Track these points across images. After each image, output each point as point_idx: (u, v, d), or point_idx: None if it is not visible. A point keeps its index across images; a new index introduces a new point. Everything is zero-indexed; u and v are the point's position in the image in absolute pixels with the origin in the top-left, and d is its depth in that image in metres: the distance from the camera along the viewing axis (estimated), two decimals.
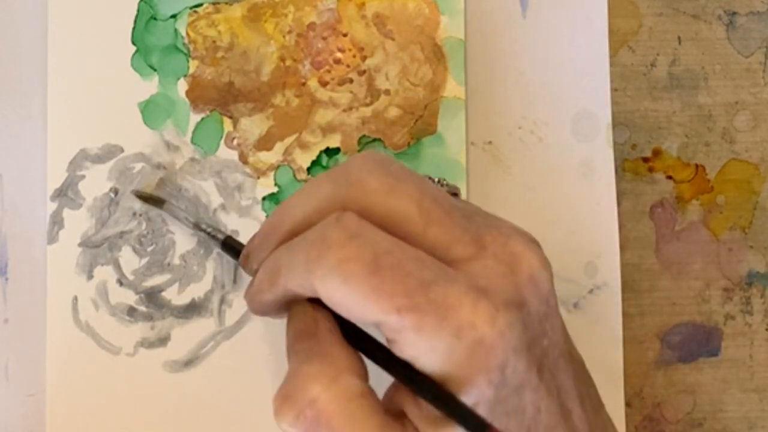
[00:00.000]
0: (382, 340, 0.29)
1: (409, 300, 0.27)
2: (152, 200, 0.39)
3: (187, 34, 0.40)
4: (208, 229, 0.37)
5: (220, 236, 0.37)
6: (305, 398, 0.28)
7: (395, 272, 0.27)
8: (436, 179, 0.39)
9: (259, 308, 0.32)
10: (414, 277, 0.28)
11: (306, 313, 0.30)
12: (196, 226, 0.38)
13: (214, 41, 0.40)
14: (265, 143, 0.40)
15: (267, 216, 0.40)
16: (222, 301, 0.39)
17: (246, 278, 0.39)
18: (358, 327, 0.30)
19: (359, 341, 0.30)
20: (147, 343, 0.39)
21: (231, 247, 0.37)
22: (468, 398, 0.28)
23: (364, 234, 0.28)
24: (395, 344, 0.28)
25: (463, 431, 0.28)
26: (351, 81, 0.40)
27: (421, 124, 0.40)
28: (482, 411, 0.28)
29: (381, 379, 0.30)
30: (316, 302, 0.30)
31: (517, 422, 0.28)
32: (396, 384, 0.30)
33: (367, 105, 0.40)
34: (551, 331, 0.29)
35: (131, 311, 0.39)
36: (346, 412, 0.28)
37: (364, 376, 0.29)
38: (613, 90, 0.41)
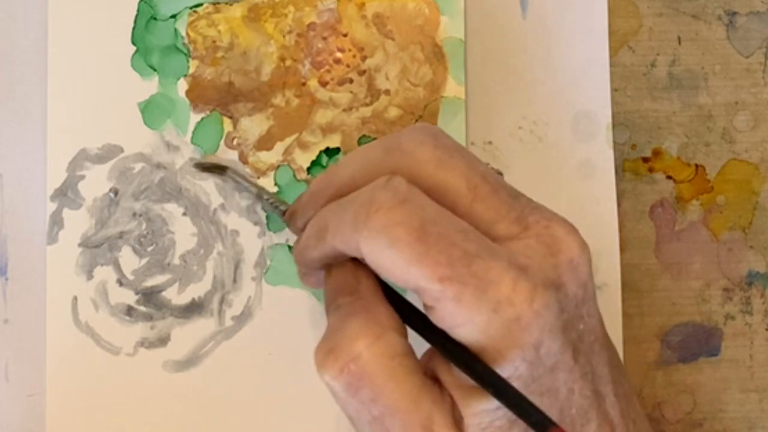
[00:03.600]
0: (418, 305, 0.30)
1: (452, 270, 0.28)
2: (215, 168, 0.39)
3: (187, 34, 0.40)
4: (270, 200, 0.37)
5: (282, 207, 0.37)
6: (350, 353, 0.29)
7: (440, 241, 0.28)
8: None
9: (304, 264, 0.33)
10: (458, 247, 0.28)
11: (347, 269, 0.31)
12: (258, 196, 0.38)
13: (214, 41, 0.40)
14: (265, 143, 0.40)
15: (271, 208, 0.40)
16: (222, 301, 0.39)
17: (246, 276, 0.40)
18: (396, 291, 0.31)
19: (397, 304, 0.31)
20: (147, 343, 0.39)
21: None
22: (501, 372, 0.28)
23: (412, 199, 0.29)
24: (433, 312, 0.29)
25: (496, 401, 0.28)
26: (351, 81, 0.40)
27: None
28: (516, 387, 0.28)
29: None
30: (358, 262, 0.31)
31: (549, 402, 0.29)
32: (431, 351, 0.31)
33: (367, 105, 0.40)
34: (587, 316, 0.30)
35: (131, 311, 0.39)
36: (388, 369, 0.28)
37: (405, 335, 0.30)
38: (613, 90, 0.41)
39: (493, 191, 0.30)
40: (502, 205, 0.30)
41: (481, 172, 0.30)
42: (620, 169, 0.41)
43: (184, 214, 0.40)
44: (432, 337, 0.30)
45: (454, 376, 0.30)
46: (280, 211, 0.36)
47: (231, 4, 0.40)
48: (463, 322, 0.28)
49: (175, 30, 0.40)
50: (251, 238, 0.40)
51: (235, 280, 0.39)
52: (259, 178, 0.40)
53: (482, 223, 0.29)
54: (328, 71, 0.40)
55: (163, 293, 0.39)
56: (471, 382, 0.29)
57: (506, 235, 0.29)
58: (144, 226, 0.40)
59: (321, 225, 0.31)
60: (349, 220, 0.29)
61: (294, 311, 0.39)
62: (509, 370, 0.28)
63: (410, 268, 0.28)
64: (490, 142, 0.41)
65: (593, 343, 0.30)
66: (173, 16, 0.40)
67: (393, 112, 0.40)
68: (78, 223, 0.39)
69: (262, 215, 0.40)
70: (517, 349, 0.28)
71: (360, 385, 0.29)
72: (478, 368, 0.28)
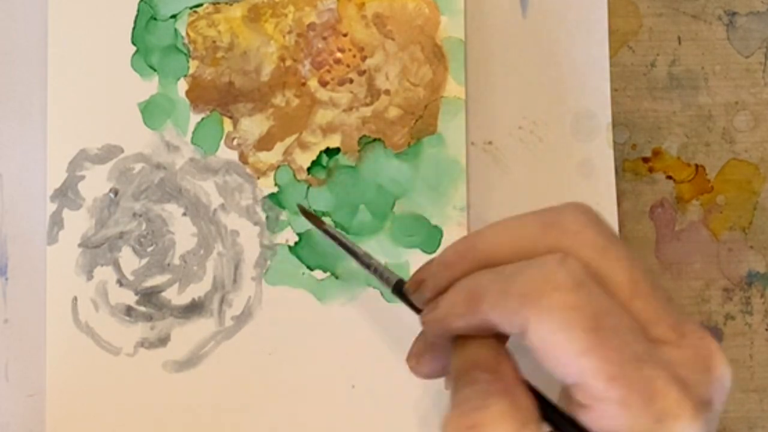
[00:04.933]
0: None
1: (622, 371, 0.27)
2: (314, 218, 0.38)
3: (187, 34, 0.40)
4: (379, 269, 0.35)
5: (392, 277, 0.34)
6: None
7: (615, 337, 0.27)
8: None
9: (439, 332, 0.31)
10: (630, 348, 0.27)
11: (488, 344, 0.29)
12: (365, 264, 0.35)
13: (214, 41, 0.40)
14: (265, 143, 0.40)
15: (270, 213, 0.40)
16: (222, 301, 0.39)
17: (246, 276, 0.40)
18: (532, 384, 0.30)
19: (536, 395, 0.29)
20: (147, 343, 0.39)
21: (400, 287, 0.34)
22: None
23: (588, 286, 0.28)
24: (588, 411, 0.27)
25: None
26: (351, 81, 0.40)
27: (421, 124, 0.40)
28: None
29: None
30: (501, 341, 0.29)
31: None
32: None
33: (367, 105, 0.40)
34: (714, 429, 0.29)
35: (131, 311, 0.39)
36: None
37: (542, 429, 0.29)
38: (613, 90, 0.41)
39: (653, 290, 0.29)
40: (661, 307, 0.29)
41: (641, 267, 0.29)
42: (620, 169, 0.41)
43: (184, 214, 0.40)
44: None
45: None
46: (387, 281, 0.34)
47: (231, 4, 0.40)
48: (622, 427, 0.27)
49: (175, 30, 0.40)
50: (251, 238, 0.40)
51: (235, 280, 0.39)
52: (259, 178, 0.40)
53: (640, 322, 0.28)
54: (328, 71, 0.40)
55: (163, 293, 0.39)
56: None
57: (663, 339, 0.28)
58: (144, 226, 0.40)
59: (474, 292, 0.29)
60: (516, 292, 0.28)
61: (294, 311, 0.39)
62: None
63: (579, 358, 0.27)
64: (490, 142, 0.41)
65: None
66: (173, 16, 0.40)
67: (393, 112, 0.40)
68: (78, 223, 0.39)
69: (262, 215, 0.40)
70: None
71: None
72: None
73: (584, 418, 0.27)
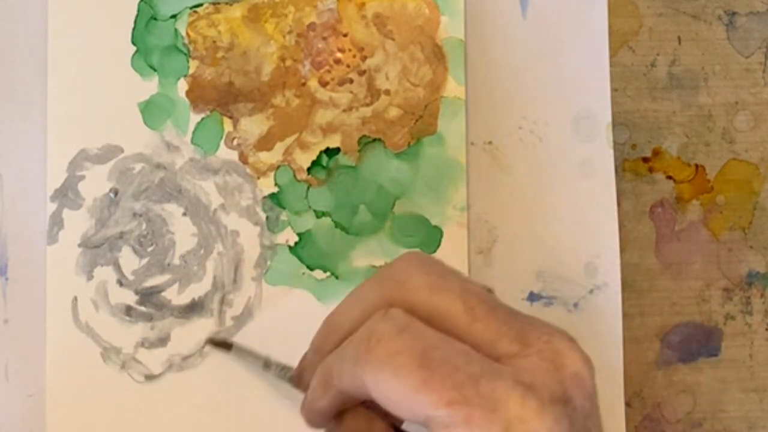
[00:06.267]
0: None
1: (459, 393, 0.28)
2: (222, 345, 0.39)
3: (187, 34, 0.40)
4: (278, 367, 0.37)
5: (290, 373, 0.36)
6: None
7: (444, 366, 0.28)
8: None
9: (315, 418, 0.33)
10: (462, 371, 0.28)
11: (360, 414, 0.31)
12: (266, 365, 0.38)
13: (214, 41, 0.40)
14: (265, 143, 0.40)
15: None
16: (222, 301, 0.39)
17: (246, 276, 0.40)
18: None
19: None
20: (147, 343, 0.39)
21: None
22: None
23: (411, 327, 0.29)
24: None
25: None
26: (351, 81, 0.40)
27: (421, 124, 0.40)
28: None
29: None
30: (371, 407, 0.31)
31: None
32: None
33: (367, 105, 0.40)
34: (594, 428, 0.30)
35: (131, 311, 0.39)
36: None
37: None
38: (613, 90, 0.41)
39: (491, 310, 0.30)
40: (500, 324, 0.30)
41: (476, 292, 0.30)
42: (620, 169, 0.41)
43: (184, 214, 0.40)
44: None
45: None
46: (288, 377, 0.36)
47: (231, 4, 0.40)
48: None
49: (175, 30, 0.40)
50: (251, 238, 0.40)
51: (235, 280, 0.39)
52: (259, 178, 0.40)
53: (483, 344, 0.29)
54: (328, 71, 0.40)
55: (163, 293, 0.39)
56: None
57: (508, 354, 0.29)
58: (144, 226, 0.40)
59: (325, 373, 0.31)
60: (351, 357, 0.29)
61: (294, 311, 0.39)
62: None
63: (417, 396, 0.28)
64: (490, 142, 0.41)
65: None
66: (173, 16, 0.40)
67: (393, 112, 0.40)
68: (78, 223, 0.39)
69: (262, 215, 0.40)
70: None
71: None
72: None
73: None
